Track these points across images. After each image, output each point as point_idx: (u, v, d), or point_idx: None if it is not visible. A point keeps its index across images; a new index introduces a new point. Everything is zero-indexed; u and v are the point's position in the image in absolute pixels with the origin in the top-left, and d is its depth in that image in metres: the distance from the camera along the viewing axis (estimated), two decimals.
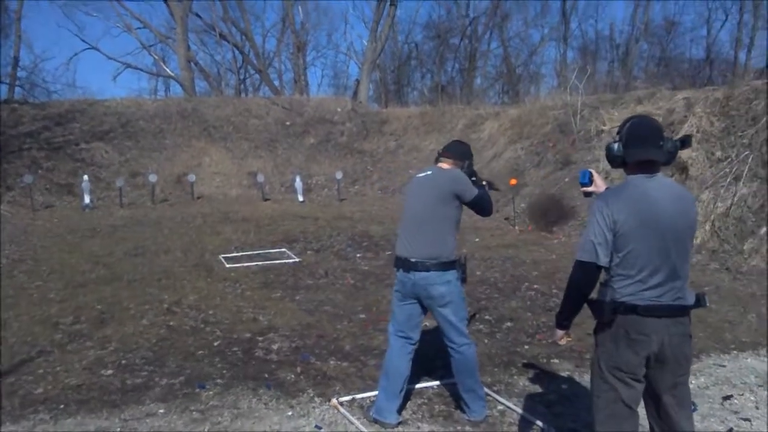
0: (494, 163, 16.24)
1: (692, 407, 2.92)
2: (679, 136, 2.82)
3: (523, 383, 4.58)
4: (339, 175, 17.67)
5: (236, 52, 33.15)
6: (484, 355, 5.13)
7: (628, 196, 2.67)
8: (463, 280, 3.89)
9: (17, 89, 24.65)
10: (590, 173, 3.01)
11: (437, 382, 4.55)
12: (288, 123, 22.22)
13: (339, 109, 23.43)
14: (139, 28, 31.97)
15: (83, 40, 44.01)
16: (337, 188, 17.77)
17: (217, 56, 35.30)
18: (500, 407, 4.14)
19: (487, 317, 6.24)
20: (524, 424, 3.88)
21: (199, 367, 5.00)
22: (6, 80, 25.24)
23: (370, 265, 8.80)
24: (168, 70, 32.48)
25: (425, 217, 3.77)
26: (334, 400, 4.21)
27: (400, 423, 3.91)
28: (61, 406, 4.28)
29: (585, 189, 3.03)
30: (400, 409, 3.98)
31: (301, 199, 16.93)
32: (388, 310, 6.33)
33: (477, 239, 10.83)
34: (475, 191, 3.83)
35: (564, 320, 2.85)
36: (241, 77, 35.49)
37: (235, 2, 31.25)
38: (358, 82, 28.64)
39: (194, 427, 3.91)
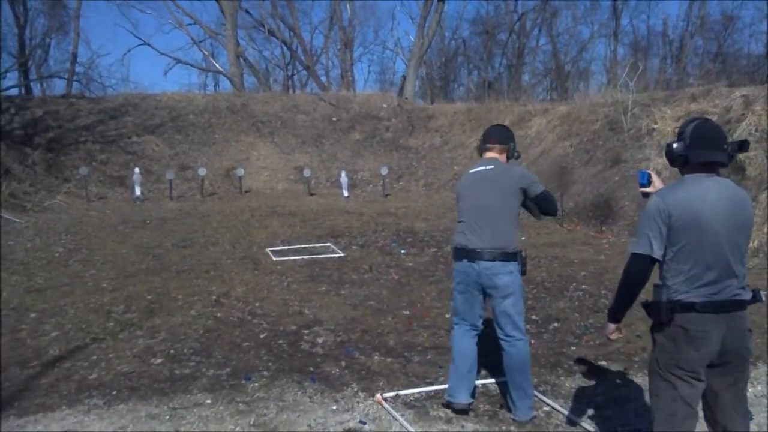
0: (542, 160, 16.00)
1: (749, 416, 2.84)
2: (737, 139, 2.85)
3: (570, 384, 4.50)
4: (384, 171, 17.68)
5: (284, 48, 33.54)
6: (531, 356, 5.04)
7: (684, 192, 2.71)
8: (523, 273, 3.98)
9: (75, 84, 25.42)
10: (649, 174, 3.03)
11: (483, 381, 4.50)
12: (334, 119, 22.35)
13: (385, 105, 23.45)
14: (190, 24, 32.64)
15: (137, 37, 45.39)
16: (382, 184, 17.79)
17: (266, 52, 35.78)
18: (546, 408, 4.08)
19: (533, 317, 6.15)
20: (571, 426, 3.81)
21: (245, 358, 5.06)
22: (65, 76, 26.07)
23: (414, 261, 8.78)
24: (217, 65, 33.01)
25: (492, 209, 3.88)
26: (378, 396, 4.21)
27: (471, 404, 4.00)
28: (114, 392, 4.39)
29: (644, 190, 3.05)
30: (472, 392, 4.03)
31: (346, 194, 17.01)
32: (432, 307, 6.36)
33: (523, 237, 10.69)
34: (542, 187, 3.95)
35: (616, 313, 2.89)
36: (289, 73, 35.88)
37: None
38: (404, 78, 28.59)
39: (240, 418, 3.96)
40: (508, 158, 4.10)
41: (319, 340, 5.48)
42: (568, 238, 10.57)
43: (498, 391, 4.36)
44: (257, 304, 6.64)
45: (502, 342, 3.97)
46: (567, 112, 17.31)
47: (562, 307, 6.53)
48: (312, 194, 17.48)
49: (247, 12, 32.52)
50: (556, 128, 16.97)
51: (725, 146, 2.72)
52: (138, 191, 16.17)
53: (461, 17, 54.21)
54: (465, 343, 4.06)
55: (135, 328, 5.88)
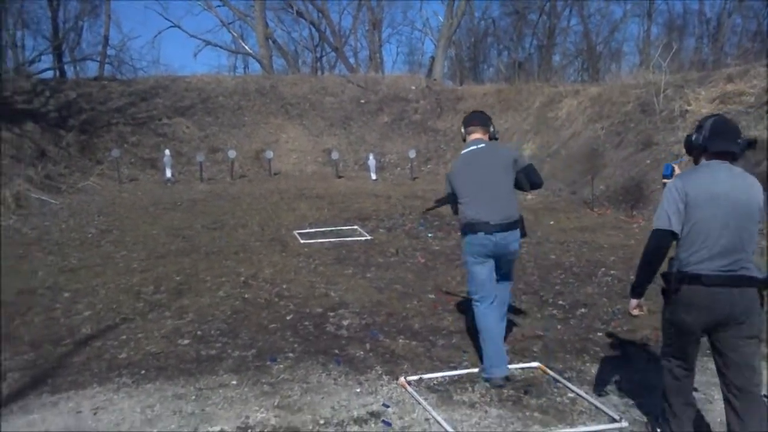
0: (572, 142, 15.77)
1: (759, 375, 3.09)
2: (748, 137, 3.33)
3: (596, 371, 4.46)
4: (412, 154, 17.62)
5: (313, 29, 33.43)
6: (556, 341, 5.03)
7: (700, 175, 3.08)
8: (524, 235, 4.38)
9: (107, 67, 25.72)
10: (672, 167, 3.35)
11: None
12: (362, 101, 22.29)
13: (413, 87, 23.31)
14: (219, 5, 32.66)
15: (167, 19, 45.70)
16: (410, 167, 17.73)
17: (294, 34, 35.73)
18: (571, 395, 4.04)
19: (560, 302, 6.10)
20: (596, 413, 3.78)
21: (271, 340, 5.12)
22: (97, 58, 26.39)
23: (441, 245, 8.75)
24: (246, 47, 33.09)
25: (496, 184, 4.22)
26: (402, 379, 4.23)
27: (507, 377, 4.23)
28: (142, 372, 4.48)
29: (666, 181, 3.34)
30: (505, 361, 4.26)
31: (374, 177, 17.00)
32: (458, 291, 6.33)
33: (552, 222, 10.60)
34: (528, 160, 4.43)
35: (638, 288, 3.22)
36: (318, 55, 35.78)
37: None
38: (433, 59, 28.34)
39: (264, 399, 4.01)
40: (489, 139, 4.47)
41: (345, 323, 5.51)
42: (598, 223, 10.43)
43: (522, 377, 4.34)
44: (284, 286, 6.69)
45: (498, 300, 4.37)
46: (598, 93, 17.00)
47: (590, 292, 6.46)
48: (340, 177, 17.51)
49: None
50: (587, 110, 16.69)
51: (739, 140, 3.09)
52: (169, 173, 16.36)
53: None
54: (492, 320, 4.28)
55: (164, 308, 5.98)
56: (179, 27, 40.75)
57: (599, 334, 5.23)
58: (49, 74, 23.04)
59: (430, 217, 10.87)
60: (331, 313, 5.77)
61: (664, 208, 3.06)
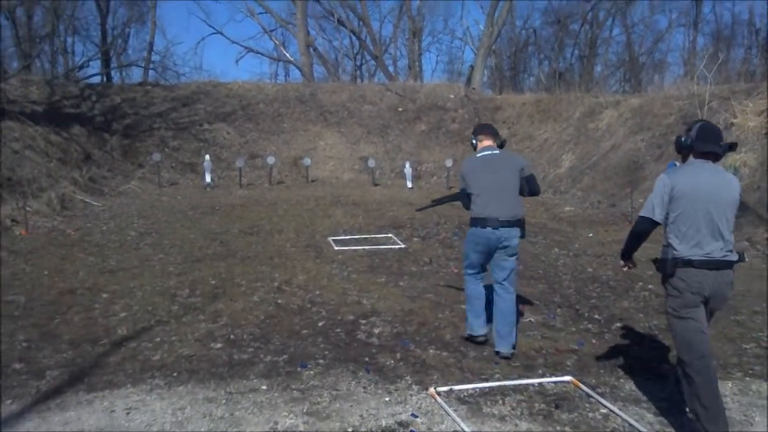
0: (612, 154, 15.54)
1: None
2: (728, 141, 3.72)
3: (630, 387, 4.35)
4: (449, 163, 17.57)
5: (353, 38, 33.70)
6: (590, 356, 4.94)
7: (686, 171, 3.59)
8: (523, 236, 4.91)
9: (151, 72, 26.33)
10: (675, 164, 4.09)
11: (539, 380, 4.42)
12: (400, 109, 22.34)
13: (452, 96, 23.27)
14: (261, 13, 33.26)
15: (210, 26, 46.48)
16: (447, 176, 17.68)
17: (335, 42, 36.06)
18: (603, 410, 3.96)
19: (596, 317, 5.99)
20: (630, 430, 3.69)
21: (302, 346, 5.14)
22: (142, 64, 27.02)
23: None
24: (288, 54, 33.53)
25: (507, 186, 4.84)
26: (431, 390, 4.19)
27: (485, 335, 5.02)
28: (175, 374, 4.54)
29: None
30: (485, 324, 5.07)
31: (410, 185, 17.01)
32: (491, 302, 6.27)
33: (591, 234, 10.45)
34: (532, 170, 5.08)
35: (626, 255, 3.93)
36: (358, 63, 36.07)
37: None
38: (472, 67, 28.28)
39: (294, 405, 4.02)
40: (498, 146, 5.08)
41: (376, 331, 5.50)
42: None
43: (554, 391, 4.27)
44: (317, 293, 6.72)
45: (499, 288, 4.93)
46: (639, 104, 16.74)
47: (626, 306, 6.34)
48: (376, 185, 17.56)
49: (317, 1, 32.86)
50: (628, 121, 16.44)
51: (721, 143, 3.59)
52: (208, 178, 16.62)
53: (532, 6, 53.20)
54: (479, 289, 5.08)
55: (198, 312, 6.05)
56: (222, 33, 41.70)
57: (635, 348, 5.12)
58: (97, 79, 23.69)
59: (464, 227, 10.80)
60: (363, 321, 5.77)
61: (651, 199, 3.60)
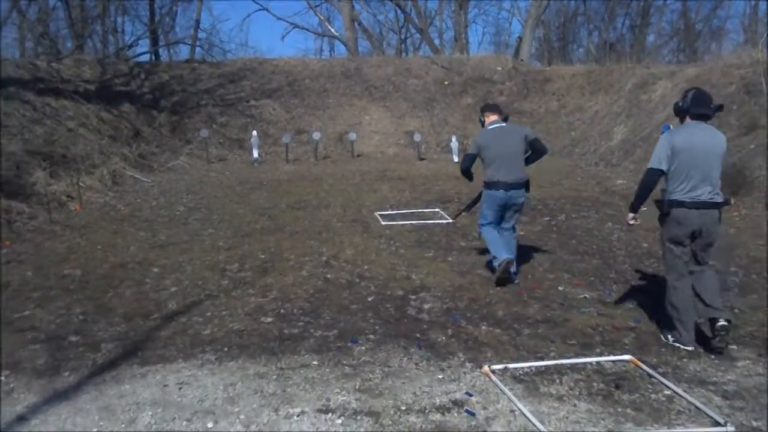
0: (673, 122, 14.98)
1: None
2: (717, 104, 4.48)
3: (694, 368, 4.15)
4: None
5: (398, 11, 33.27)
6: (650, 334, 4.74)
7: (683, 130, 4.43)
8: (527, 190, 5.98)
9: (197, 50, 26.51)
10: (669, 126, 4.72)
11: (597, 359, 4.25)
12: (446, 83, 21.99)
13: (499, 68, 22.79)
14: None
15: (255, 2, 46.35)
16: None
17: (380, 16, 35.78)
18: (667, 392, 3.78)
19: (653, 293, 5.76)
20: (696, 414, 3.51)
21: (352, 321, 5.08)
22: (189, 42, 27.23)
23: (525, 230, 8.47)
24: (333, 30, 33.33)
25: (515, 153, 5.82)
26: (485, 368, 4.08)
27: (508, 259, 5.83)
28: (225, 349, 4.53)
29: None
30: (506, 251, 5.89)
31: (456, 159, 16.76)
32: (544, 279, 6.15)
33: (644, 208, 10.07)
34: (535, 135, 6.04)
35: (636, 206, 4.69)
36: (403, 37, 35.59)
37: None
38: (520, 39, 27.62)
39: (345, 381, 3.96)
40: (504, 120, 6.07)
41: (426, 306, 5.40)
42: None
43: (613, 370, 4.10)
44: (365, 267, 6.65)
45: (508, 233, 6.08)
46: (696, 74, 16.04)
47: None
48: (422, 159, 17.38)
49: None
50: None
51: (711, 106, 4.39)
52: (255, 153, 16.70)
53: None
54: (495, 233, 6.01)
55: (248, 286, 6.06)
56: (267, 10, 41.84)
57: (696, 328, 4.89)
58: (145, 58, 23.98)
59: None
60: (413, 296, 5.68)
61: (656, 154, 4.40)
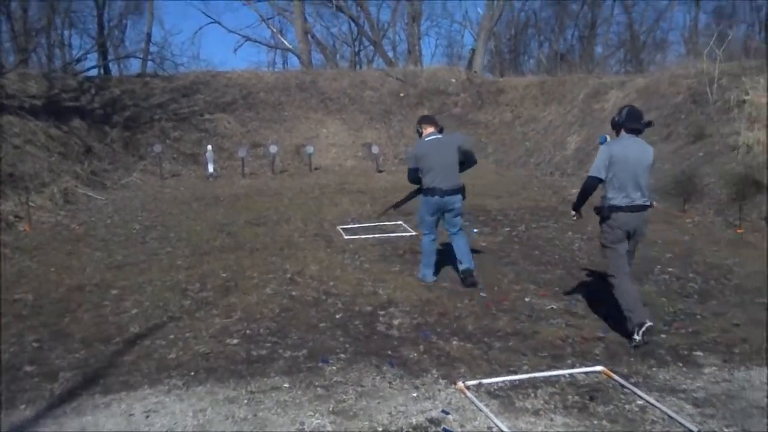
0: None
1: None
2: (647, 120, 5.11)
3: (664, 377, 4.21)
4: None
5: (351, 23, 33.36)
6: (617, 343, 4.80)
7: (618, 142, 4.97)
8: (463, 197, 6.41)
9: (149, 63, 26.02)
10: (606, 137, 5.41)
11: (569, 371, 4.27)
12: (402, 95, 22.10)
13: (453, 80, 23.02)
14: (259, 1, 32.80)
15: (207, 15, 45.79)
16: None
17: (333, 28, 35.67)
18: (640, 402, 3.81)
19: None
20: (670, 423, 3.54)
21: (321, 339, 4.99)
22: (140, 55, 26.72)
23: (487, 240, 8.54)
24: (286, 42, 33.16)
25: (451, 162, 6.23)
26: (460, 384, 4.05)
27: (435, 281, 6.51)
28: (192, 373, 4.39)
29: (600, 145, 5.20)
30: (434, 274, 6.63)
31: None
32: (510, 290, 6.17)
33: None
34: (468, 146, 6.66)
35: (577, 207, 5.29)
36: (356, 49, 35.69)
37: None
38: (473, 51, 27.96)
39: (319, 403, 3.88)
40: (438, 131, 6.49)
41: (395, 322, 5.36)
42: (649, 217, 10.04)
43: (586, 382, 4.13)
44: (331, 283, 6.57)
45: (452, 236, 6.51)
46: (645, 84, 16.52)
47: (647, 290, 6.18)
48: (380, 171, 17.37)
49: None
50: (634, 102, 16.17)
51: (642, 122, 4.99)
52: (211, 168, 16.43)
53: None
54: (432, 246, 6.56)
55: (211, 306, 5.91)
56: (219, 23, 41.38)
57: (662, 336, 4.98)
58: (95, 72, 23.40)
59: (474, 212, 10.65)
60: (381, 312, 5.63)
61: (596, 163, 4.92)
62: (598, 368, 4.30)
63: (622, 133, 4.97)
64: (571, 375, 4.24)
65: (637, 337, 4.65)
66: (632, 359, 4.51)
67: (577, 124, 17.44)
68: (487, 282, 6.52)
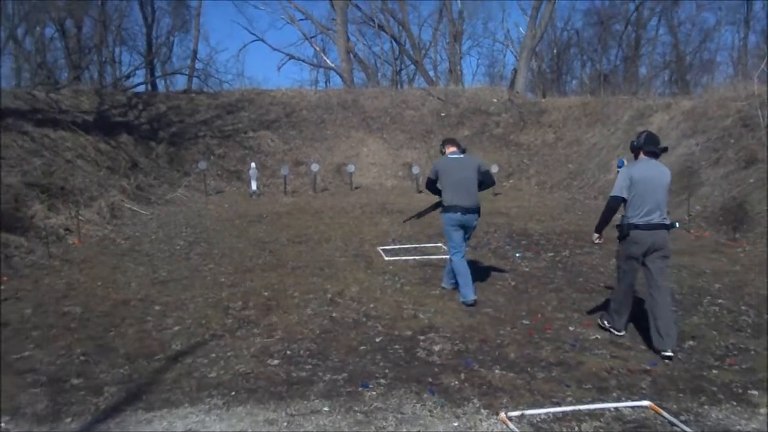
0: (664, 159, 14.96)
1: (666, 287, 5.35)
2: (662, 146, 5.36)
3: (716, 415, 4.06)
4: (494, 169, 17.24)
5: (393, 42, 33.60)
6: (666, 377, 4.66)
7: (638, 165, 5.26)
8: (478, 216, 6.73)
9: (195, 80, 26.63)
10: (624, 161, 6.10)
11: (615, 405, 4.16)
12: (443, 114, 22.11)
13: (495, 100, 22.96)
14: (302, 19, 33.37)
15: (251, 33, 46.95)
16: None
17: (375, 47, 36.01)
18: None
19: None
20: None
21: (361, 363, 4.97)
22: (186, 72, 27.36)
23: (530, 266, 8.42)
24: (328, 61, 33.58)
25: (470, 181, 6.53)
26: (502, 414, 3.98)
27: (476, 298, 6.55)
28: (233, 393, 4.41)
29: (619, 169, 5.34)
30: (475, 291, 6.61)
31: None
32: (554, 318, 6.07)
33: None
34: (486, 168, 6.83)
35: (600, 229, 5.50)
36: (398, 68, 35.92)
37: None
38: (515, 71, 27.87)
39: (359, 429, 3.85)
40: (461, 152, 6.81)
41: (436, 348, 5.30)
42: (696, 246, 9.81)
43: (632, 417, 4.00)
44: (371, 305, 6.56)
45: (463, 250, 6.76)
46: (692, 107, 16.20)
47: (696, 323, 6.00)
48: (420, 191, 17.35)
49: (357, 7, 32.86)
50: (680, 125, 15.92)
51: (659, 146, 5.30)
52: (254, 186, 16.65)
53: (574, 7, 52.17)
54: (464, 264, 6.64)
55: (252, 325, 5.94)
56: (263, 41, 42.20)
57: (714, 371, 4.81)
58: (142, 88, 24.04)
59: (516, 236, 10.54)
60: (421, 337, 5.58)
61: (618, 184, 5.22)
62: (645, 403, 4.18)
63: (641, 156, 5.28)
64: (616, 409, 4.12)
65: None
66: (680, 395, 4.37)
67: (621, 146, 17.15)
68: (531, 309, 6.42)
